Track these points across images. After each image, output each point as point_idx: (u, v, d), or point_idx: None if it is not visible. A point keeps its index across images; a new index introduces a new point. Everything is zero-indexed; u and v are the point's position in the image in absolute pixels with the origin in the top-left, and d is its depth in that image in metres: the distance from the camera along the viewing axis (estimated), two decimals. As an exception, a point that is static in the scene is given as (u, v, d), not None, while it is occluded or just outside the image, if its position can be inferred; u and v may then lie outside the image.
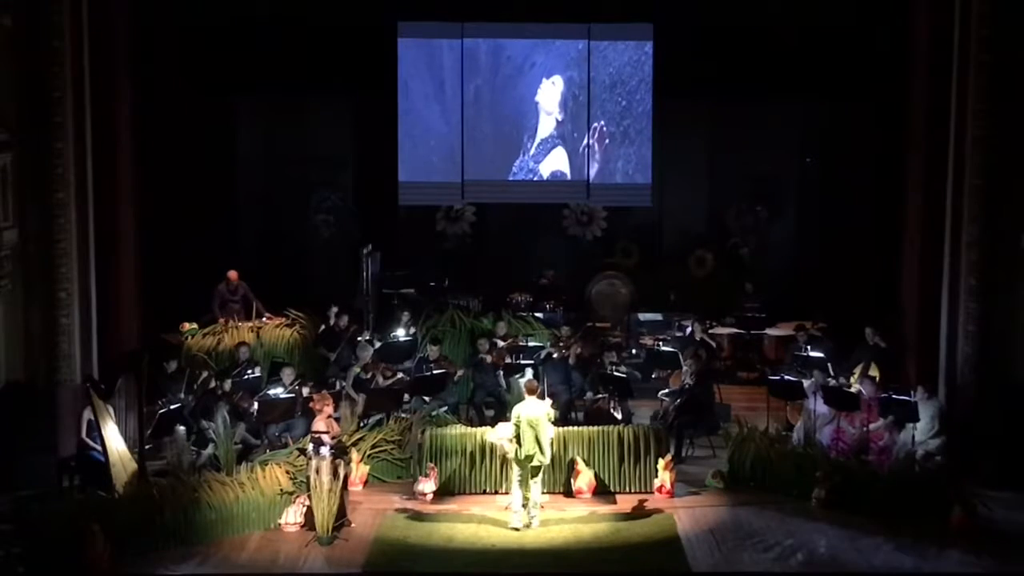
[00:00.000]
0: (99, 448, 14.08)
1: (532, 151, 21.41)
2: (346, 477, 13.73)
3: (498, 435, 14.12)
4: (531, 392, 13.89)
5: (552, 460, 14.45)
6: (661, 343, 18.44)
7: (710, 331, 18.70)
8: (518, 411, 13.70)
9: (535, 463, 13.56)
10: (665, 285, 21.00)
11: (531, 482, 13.58)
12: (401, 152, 21.29)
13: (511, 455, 13.77)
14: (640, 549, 13.14)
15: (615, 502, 14.39)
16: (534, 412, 13.64)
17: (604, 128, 21.35)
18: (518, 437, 13.60)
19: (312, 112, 21.68)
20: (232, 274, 18.54)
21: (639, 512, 14.04)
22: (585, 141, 21.33)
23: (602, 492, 14.54)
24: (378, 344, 17.19)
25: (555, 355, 17.02)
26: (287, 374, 15.94)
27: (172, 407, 14.67)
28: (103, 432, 13.99)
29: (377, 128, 21.41)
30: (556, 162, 21.45)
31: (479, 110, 21.34)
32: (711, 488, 14.76)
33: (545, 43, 21.28)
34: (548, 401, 14.12)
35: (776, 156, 21.61)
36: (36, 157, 15.00)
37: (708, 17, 20.21)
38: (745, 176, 21.69)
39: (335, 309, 18.12)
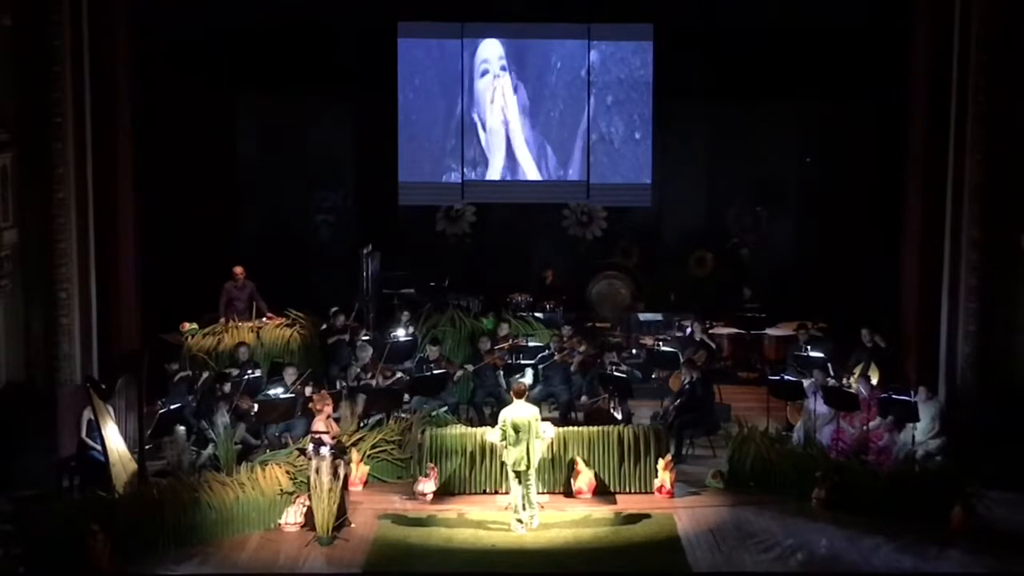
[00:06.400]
0: (99, 448, 14.08)
1: (532, 151, 21.42)
2: (346, 477, 13.74)
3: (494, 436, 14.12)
4: (519, 395, 13.84)
5: (552, 460, 14.49)
6: (661, 343, 18.43)
7: (710, 331, 18.71)
8: (505, 415, 13.66)
9: (521, 468, 13.52)
10: (665, 285, 21.00)
11: (525, 484, 13.56)
12: (401, 152, 21.31)
13: (503, 457, 13.78)
14: (640, 549, 13.15)
15: (615, 502, 14.39)
16: (521, 415, 13.59)
17: (604, 128, 21.36)
18: (505, 441, 13.58)
19: (312, 112, 21.65)
20: (238, 270, 18.49)
21: (639, 512, 14.03)
22: (585, 141, 21.33)
23: (602, 492, 14.54)
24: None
25: (556, 359, 17.02)
26: (289, 374, 15.93)
27: (172, 407, 14.68)
28: (103, 432, 13.98)
29: (377, 128, 21.41)
30: (556, 162, 21.46)
31: (479, 110, 21.35)
32: (711, 488, 14.77)
33: (545, 43, 21.30)
34: (536, 409, 14.02)
35: (776, 156, 21.60)
36: (36, 157, 15.00)
37: (708, 17, 20.18)
38: (745, 176, 21.68)
39: (335, 309, 18.14)
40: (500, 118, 21.39)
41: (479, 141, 21.41)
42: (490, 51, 21.32)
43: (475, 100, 21.36)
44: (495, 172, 21.48)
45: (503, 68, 21.32)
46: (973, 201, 15.49)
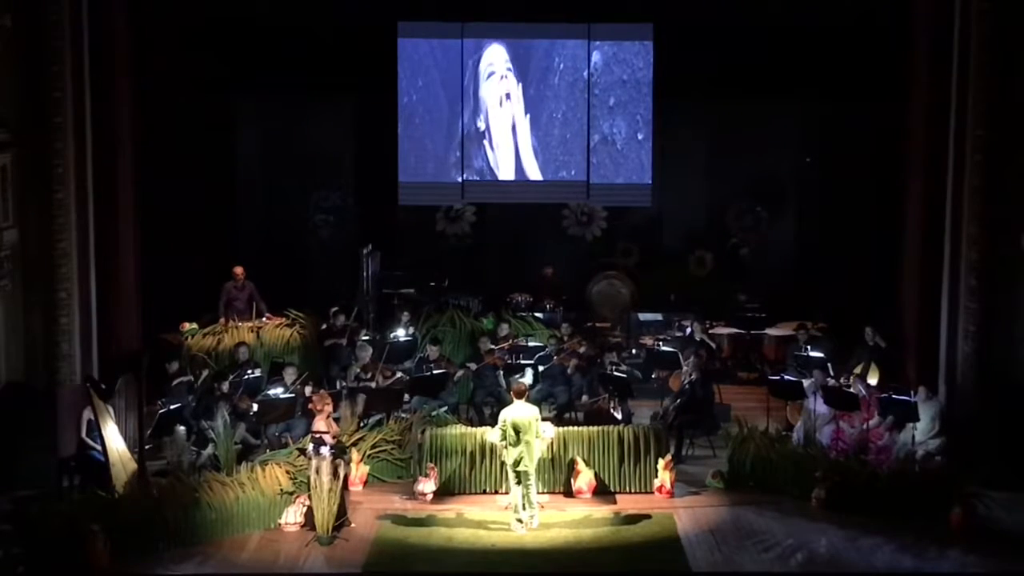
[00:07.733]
0: (99, 448, 14.09)
1: (533, 151, 21.42)
2: (346, 477, 13.74)
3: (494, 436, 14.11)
4: (519, 395, 13.85)
5: (552, 460, 14.49)
6: (661, 343, 18.44)
7: (710, 331, 18.71)
8: (505, 415, 13.67)
9: (521, 468, 13.52)
10: (665, 285, 20.99)
11: (525, 484, 13.55)
12: (401, 152, 21.32)
13: (503, 457, 13.78)
14: (640, 549, 13.15)
15: (615, 502, 14.39)
16: (521, 415, 13.59)
17: (607, 129, 21.36)
18: (505, 441, 13.58)
19: (312, 112, 21.66)
20: (238, 270, 18.51)
21: (639, 512, 14.03)
22: (585, 141, 21.33)
23: (602, 492, 14.53)
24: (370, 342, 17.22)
25: (556, 360, 17.03)
26: (289, 374, 15.93)
27: (172, 407, 14.68)
28: (103, 432, 13.99)
29: (377, 128, 21.42)
30: (556, 162, 21.46)
31: (480, 110, 21.35)
32: (711, 488, 14.76)
33: (545, 43, 21.30)
34: (536, 409, 14.02)
35: (776, 156, 21.62)
36: (36, 157, 14.98)
37: (708, 17, 20.20)
38: (745, 176, 21.69)
39: (335, 309, 18.14)
40: (501, 119, 21.38)
41: (480, 142, 21.40)
42: (493, 52, 21.31)
43: (476, 101, 21.36)
44: (496, 172, 21.47)
45: (508, 69, 21.31)
46: (973, 201, 15.46)
